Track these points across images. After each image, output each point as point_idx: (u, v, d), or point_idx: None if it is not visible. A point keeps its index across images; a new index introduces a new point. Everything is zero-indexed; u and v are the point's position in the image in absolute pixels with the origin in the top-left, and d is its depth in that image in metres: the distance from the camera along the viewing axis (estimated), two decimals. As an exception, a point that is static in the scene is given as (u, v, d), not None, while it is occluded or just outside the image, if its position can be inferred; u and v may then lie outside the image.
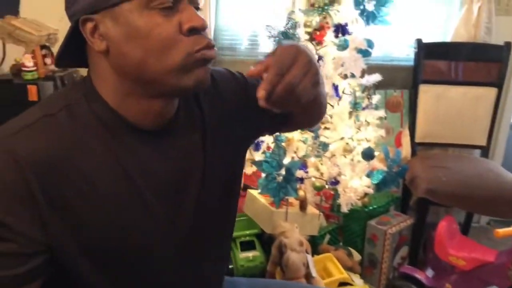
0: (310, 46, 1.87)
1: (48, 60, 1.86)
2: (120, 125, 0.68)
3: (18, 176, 0.60)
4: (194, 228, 0.76)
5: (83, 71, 1.75)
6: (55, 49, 1.98)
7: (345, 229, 2.11)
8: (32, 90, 1.70)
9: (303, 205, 1.96)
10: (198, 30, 0.64)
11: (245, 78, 0.88)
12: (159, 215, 0.72)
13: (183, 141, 0.75)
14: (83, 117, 0.67)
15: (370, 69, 1.96)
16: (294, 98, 0.63)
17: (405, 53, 2.46)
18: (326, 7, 1.81)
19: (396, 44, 2.45)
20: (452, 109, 2.28)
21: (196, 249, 0.78)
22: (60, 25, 2.03)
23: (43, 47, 1.83)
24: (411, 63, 2.36)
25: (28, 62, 1.73)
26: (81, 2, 0.63)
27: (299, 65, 0.63)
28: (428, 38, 2.33)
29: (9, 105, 1.69)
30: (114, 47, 0.64)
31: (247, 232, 1.99)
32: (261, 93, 0.60)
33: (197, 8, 0.67)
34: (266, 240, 1.98)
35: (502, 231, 1.55)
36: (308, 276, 1.64)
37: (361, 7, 1.84)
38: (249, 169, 2.02)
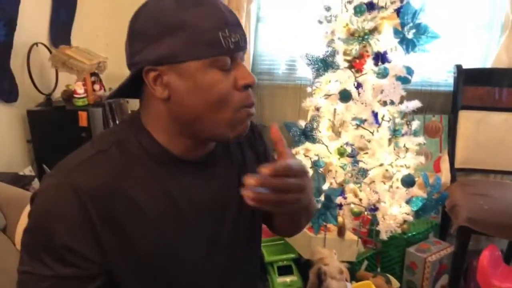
0: (349, 74, 1.90)
1: (97, 87, 1.95)
2: (166, 158, 0.75)
3: (78, 206, 0.67)
4: (228, 254, 0.83)
5: (131, 100, 1.83)
6: (104, 76, 2.08)
7: (383, 255, 2.10)
8: (83, 116, 1.79)
9: (341, 231, 1.96)
10: (250, 86, 0.72)
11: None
12: (200, 239, 0.78)
13: (222, 173, 0.82)
14: (132, 151, 0.74)
15: (409, 95, 1.97)
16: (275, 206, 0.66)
17: (443, 78, 2.45)
18: (366, 36, 1.84)
19: (435, 69, 2.45)
20: (493, 134, 2.25)
21: (228, 272, 0.84)
22: (107, 52, 2.15)
23: (92, 74, 1.93)
24: (450, 88, 2.35)
25: (79, 89, 1.83)
26: (148, 54, 0.69)
27: (300, 182, 0.65)
28: (468, 63, 2.32)
29: (62, 130, 1.81)
30: (175, 96, 0.70)
31: (284, 256, 2.01)
32: (249, 181, 0.61)
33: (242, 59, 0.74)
34: (303, 265, 1.98)
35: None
36: (348, 304, 1.64)
37: (401, 35, 1.86)
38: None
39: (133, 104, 2.26)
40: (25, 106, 1.85)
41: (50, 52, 1.95)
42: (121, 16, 2.59)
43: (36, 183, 1.73)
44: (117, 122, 1.92)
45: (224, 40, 0.67)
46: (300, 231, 1.01)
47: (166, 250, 0.74)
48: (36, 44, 1.87)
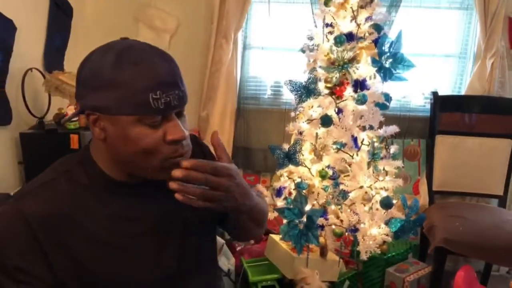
0: (330, 100, 2.00)
1: (88, 111, 2.02)
2: (110, 184, 0.83)
3: (26, 231, 0.76)
4: (178, 265, 0.89)
5: None
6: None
7: (364, 275, 2.16)
8: (74, 138, 1.85)
9: (323, 252, 2.03)
10: (177, 141, 0.77)
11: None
12: (146, 256, 0.85)
13: (165, 190, 0.84)
14: (79, 179, 0.82)
15: (387, 120, 2.07)
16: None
17: (421, 104, 2.57)
18: (346, 65, 1.94)
19: (412, 96, 2.56)
20: (469, 159, 2.35)
21: (179, 283, 0.90)
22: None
23: (84, 98, 1.99)
24: (427, 114, 2.46)
25: (71, 113, 1.89)
26: (88, 101, 0.77)
27: (223, 182, 0.75)
28: (443, 90, 2.44)
29: (54, 152, 1.86)
30: (110, 140, 0.78)
31: (269, 276, 2.06)
32: (176, 173, 0.72)
33: (182, 113, 0.81)
34: (287, 285, 2.04)
35: (518, 283, 1.59)
36: (329, 322, 1.69)
37: (379, 64, 1.96)
38: (271, 215, 2.11)
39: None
40: (17, 128, 1.91)
41: (44, 77, 2.02)
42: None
43: None
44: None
45: (154, 101, 0.73)
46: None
47: (113, 269, 0.81)
48: (31, 69, 1.94)
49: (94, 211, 0.81)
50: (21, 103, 1.92)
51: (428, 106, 2.46)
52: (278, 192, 2.14)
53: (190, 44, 2.52)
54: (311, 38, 2.11)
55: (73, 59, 2.35)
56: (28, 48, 1.99)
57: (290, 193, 2.13)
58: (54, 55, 2.19)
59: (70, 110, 1.90)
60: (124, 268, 0.83)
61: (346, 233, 2.01)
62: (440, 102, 2.38)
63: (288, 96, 2.56)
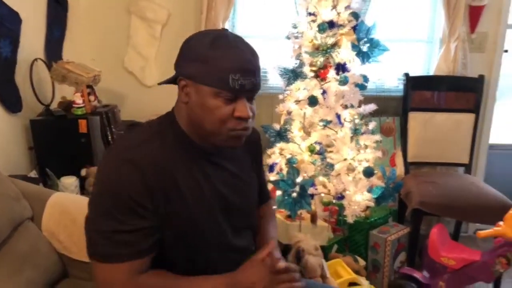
0: (315, 82, 2.21)
1: (92, 98, 2.16)
2: (191, 146, 1.02)
3: (137, 174, 0.93)
4: (234, 219, 1.10)
5: (125, 105, 2.23)
6: (97, 87, 2.29)
7: (350, 239, 2.39)
8: (83, 123, 1.99)
9: (313, 219, 2.25)
10: (243, 119, 0.96)
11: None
12: (215, 208, 1.05)
13: (229, 163, 1.10)
14: (170, 140, 1.01)
15: (366, 100, 2.29)
16: None
17: (395, 85, 2.82)
18: (329, 50, 2.15)
19: (387, 77, 2.81)
20: (438, 132, 2.62)
21: (234, 233, 1.11)
22: (94, 66, 2.35)
23: (87, 86, 2.13)
24: (401, 93, 2.71)
25: (78, 100, 2.03)
26: (183, 69, 0.96)
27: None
28: (415, 71, 2.70)
29: (63, 137, 2.00)
30: (191, 104, 0.97)
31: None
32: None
33: (252, 98, 0.99)
34: (283, 251, 2.25)
35: (483, 232, 1.86)
36: (323, 277, 1.91)
37: (357, 49, 2.19)
38: (264, 188, 2.30)
39: (124, 112, 2.47)
40: (26, 116, 2.03)
41: (47, 67, 2.14)
42: (105, 33, 2.86)
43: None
44: (113, 127, 2.13)
45: (232, 81, 0.91)
46: None
47: (192, 212, 1.00)
48: (36, 59, 2.06)
49: (183, 169, 0.99)
50: (28, 92, 2.04)
51: (401, 87, 2.71)
52: (271, 168, 2.34)
53: (181, 33, 2.57)
54: (295, 26, 2.31)
55: (70, 50, 2.48)
56: (32, 39, 2.10)
57: (281, 169, 2.34)
58: (54, 46, 2.30)
59: (77, 97, 2.03)
60: (199, 214, 1.01)
61: (334, 201, 2.24)
62: (411, 83, 2.64)
63: (274, 81, 2.76)
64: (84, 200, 1.58)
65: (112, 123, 2.13)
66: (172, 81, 1.03)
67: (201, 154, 1.03)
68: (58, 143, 2.01)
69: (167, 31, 2.69)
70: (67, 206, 1.49)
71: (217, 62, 0.91)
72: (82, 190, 2.00)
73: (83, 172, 2.00)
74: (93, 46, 2.71)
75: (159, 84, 1.09)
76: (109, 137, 2.10)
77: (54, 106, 2.20)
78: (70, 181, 1.94)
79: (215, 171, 1.06)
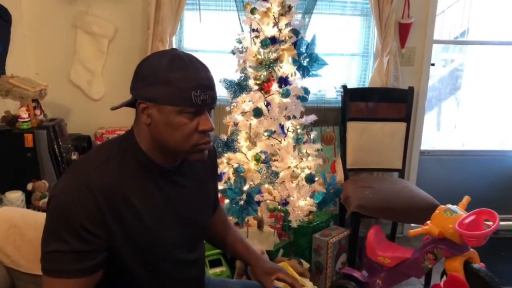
0: (260, 95, 2.33)
1: (38, 112, 2.16)
2: (151, 166, 1.08)
3: (92, 199, 0.97)
4: (192, 234, 1.19)
5: (72, 119, 2.30)
6: (43, 101, 2.29)
7: (295, 243, 2.52)
8: (29, 138, 2.00)
9: (260, 225, 2.36)
10: (207, 131, 1.04)
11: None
12: (172, 225, 1.12)
13: (188, 180, 1.18)
14: (128, 162, 1.06)
15: (307, 111, 2.44)
16: None
17: (334, 96, 3.00)
18: (271, 64, 2.28)
19: (327, 89, 2.98)
20: (373, 140, 2.82)
21: (191, 247, 1.20)
22: (38, 80, 2.35)
23: (33, 100, 2.13)
24: (339, 104, 2.89)
25: (24, 114, 2.03)
26: (143, 92, 1.02)
27: None
28: (352, 84, 2.89)
29: (9, 151, 1.99)
30: (154, 125, 1.04)
31: (213, 251, 2.34)
32: None
33: (213, 108, 1.07)
34: (230, 257, 2.34)
35: (413, 231, 2.04)
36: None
37: (298, 63, 2.33)
38: (213, 197, 2.39)
39: (71, 126, 2.48)
40: (-32, 131, 2.01)
41: (-9, 82, 2.12)
42: (50, 47, 2.86)
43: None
44: (61, 141, 2.14)
45: (194, 97, 0.98)
46: None
47: (149, 233, 1.07)
48: (-22, 74, 2.04)
49: (138, 189, 1.04)
50: (-30, 107, 2.02)
51: (340, 98, 2.89)
52: (219, 177, 2.43)
53: (128, 48, 2.71)
54: (240, 42, 2.43)
55: (14, 64, 2.45)
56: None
57: (229, 178, 2.43)
58: (-3, 60, 2.28)
59: (23, 112, 2.03)
60: (156, 232, 1.07)
61: (279, 207, 2.36)
62: (349, 94, 2.82)
63: (221, 94, 2.84)
64: (32, 214, 1.60)
65: (59, 136, 2.14)
66: (128, 104, 1.08)
67: (159, 172, 1.09)
68: (3, 158, 2.00)
69: (114, 45, 2.72)
70: (14, 221, 1.49)
71: (178, 82, 0.98)
72: (28, 205, 2.00)
73: (29, 186, 1.99)
74: (38, 60, 2.70)
75: (113, 109, 1.12)
76: (56, 150, 2.10)
77: (-4, 121, 2.18)
78: (15, 195, 1.93)
79: (172, 189, 1.12)
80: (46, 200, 2.00)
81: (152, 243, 1.07)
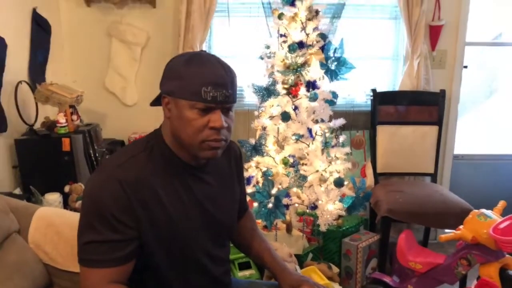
0: (287, 99, 2.35)
1: (75, 117, 2.25)
2: (176, 161, 1.13)
3: (122, 191, 1.03)
4: (214, 231, 1.22)
5: (107, 124, 2.39)
6: (79, 107, 2.39)
7: (324, 248, 2.51)
8: (66, 142, 2.09)
9: (289, 228, 2.37)
10: (216, 129, 1.06)
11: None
12: (196, 220, 1.16)
13: (212, 178, 1.21)
14: (156, 155, 1.12)
15: (336, 115, 2.45)
16: None
17: (363, 100, 2.99)
18: (299, 69, 2.30)
19: (356, 93, 2.97)
20: (404, 144, 2.78)
21: (213, 244, 1.23)
22: (78, 86, 2.46)
23: (70, 106, 2.23)
24: (369, 108, 2.87)
25: (62, 119, 2.12)
26: (164, 87, 1.09)
27: None
28: (382, 87, 2.87)
29: (47, 155, 2.09)
30: (172, 118, 1.09)
31: (243, 254, 2.36)
32: None
33: (229, 109, 1.09)
34: (259, 260, 2.35)
35: (444, 236, 2.00)
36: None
37: (326, 67, 2.34)
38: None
39: (106, 131, 2.57)
40: (10, 136, 2.11)
41: (31, 89, 2.24)
42: (86, 56, 2.97)
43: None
44: (96, 145, 2.23)
45: (204, 93, 1.02)
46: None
47: (173, 223, 1.11)
48: (20, 82, 2.15)
49: (164, 183, 1.10)
50: (12, 112, 2.12)
51: (369, 102, 2.87)
52: (248, 181, 2.46)
53: (160, 55, 2.79)
54: (267, 47, 2.46)
55: (53, 72, 2.57)
56: (16, 63, 2.20)
57: (257, 181, 2.46)
58: (37, 69, 2.40)
59: (61, 117, 2.12)
60: (180, 224, 1.12)
61: (307, 211, 2.36)
62: (378, 98, 2.80)
63: (249, 99, 2.90)
64: (68, 214, 1.68)
65: (94, 141, 2.23)
66: (158, 99, 1.14)
67: (185, 168, 1.14)
68: (42, 162, 2.10)
69: (147, 52, 2.81)
70: (52, 220, 1.58)
71: (190, 77, 1.03)
72: (66, 206, 2.08)
73: (67, 188, 2.08)
74: (75, 68, 2.82)
75: (151, 105, 1.20)
76: (92, 154, 2.19)
77: (37, 126, 2.29)
78: (53, 197, 2.02)
79: (197, 185, 1.16)
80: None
81: (177, 234, 1.12)
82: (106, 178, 1.05)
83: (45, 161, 2.09)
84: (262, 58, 2.47)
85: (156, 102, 1.19)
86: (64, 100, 2.11)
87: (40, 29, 2.43)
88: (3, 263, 1.34)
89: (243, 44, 2.86)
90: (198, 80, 1.02)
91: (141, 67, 2.83)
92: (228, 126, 1.10)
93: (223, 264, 1.29)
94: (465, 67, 2.92)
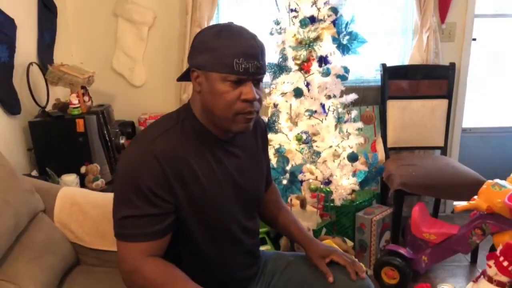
0: (300, 75, 2.34)
1: (86, 98, 2.24)
2: (206, 135, 1.14)
3: (157, 165, 1.04)
4: (244, 201, 1.22)
5: (115, 105, 2.37)
6: (92, 88, 2.37)
7: (337, 223, 2.54)
8: (80, 123, 2.08)
9: (303, 204, 2.38)
10: (249, 101, 1.05)
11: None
12: (227, 190, 1.17)
13: (241, 151, 1.22)
14: (187, 130, 1.12)
15: (347, 90, 2.45)
16: None
17: (373, 75, 2.98)
18: (311, 44, 2.29)
19: (366, 68, 2.96)
20: (414, 118, 2.79)
21: (244, 213, 1.24)
22: (86, 67, 2.43)
23: (81, 87, 2.21)
24: (378, 83, 2.87)
25: (74, 100, 2.11)
26: (194, 60, 1.08)
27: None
28: (391, 62, 2.86)
29: (61, 137, 2.08)
30: (202, 92, 1.08)
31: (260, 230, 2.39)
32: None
33: (260, 80, 1.09)
34: (274, 237, 2.38)
35: (460, 206, 2.03)
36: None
37: (338, 42, 2.33)
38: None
39: (115, 112, 2.55)
40: (24, 118, 2.10)
41: (41, 70, 2.21)
42: (93, 36, 2.93)
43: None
44: (109, 126, 2.22)
45: (236, 65, 1.00)
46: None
47: (208, 195, 1.12)
48: (32, 63, 2.13)
49: (197, 155, 1.10)
50: (25, 94, 2.11)
51: (379, 77, 2.87)
52: (261, 158, 2.47)
53: (167, 34, 2.76)
54: (277, 22, 2.44)
55: (60, 53, 2.54)
56: (25, 44, 2.17)
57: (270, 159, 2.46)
58: (45, 50, 2.37)
59: (73, 98, 2.11)
60: (214, 195, 1.13)
61: (322, 187, 2.38)
62: (388, 73, 2.79)
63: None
64: (92, 194, 1.69)
65: (107, 121, 2.22)
66: (186, 74, 1.14)
67: (215, 141, 1.14)
68: (57, 143, 2.09)
69: (154, 32, 2.77)
70: (76, 199, 1.58)
71: (222, 49, 1.02)
72: (82, 186, 2.09)
73: (83, 169, 2.08)
74: (82, 50, 2.79)
75: (178, 80, 1.20)
76: (106, 135, 2.18)
77: (49, 108, 2.27)
78: (70, 178, 2.02)
79: (227, 158, 1.17)
80: (98, 182, 2.09)
81: (211, 205, 1.13)
82: (142, 152, 1.05)
83: (59, 143, 2.08)
84: (272, 34, 2.45)
85: (183, 77, 1.18)
86: (76, 81, 2.09)
87: (47, 10, 2.39)
88: (33, 242, 1.35)
89: (252, 21, 2.83)
90: (229, 52, 1.01)
91: (148, 47, 2.79)
92: (260, 98, 1.09)
93: (253, 236, 1.30)
94: (474, 39, 2.91)
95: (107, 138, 2.20)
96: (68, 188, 1.68)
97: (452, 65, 2.78)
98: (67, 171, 2.06)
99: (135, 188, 1.02)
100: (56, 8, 2.50)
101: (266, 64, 2.35)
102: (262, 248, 2.26)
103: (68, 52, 2.71)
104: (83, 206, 1.57)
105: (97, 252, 1.56)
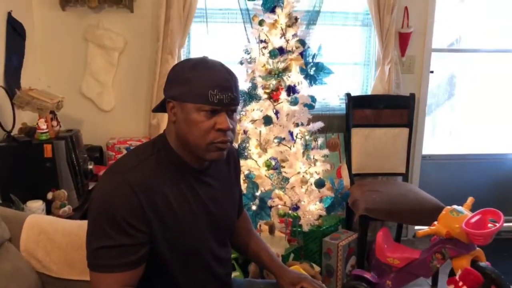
0: (269, 103, 2.41)
1: (55, 123, 2.21)
2: (182, 165, 1.16)
3: (133, 195, 1.05)
4: (218, 231, 1.26)
5: (83, 130, 2.36)
6: (60, 113, 2.34)
7: (305, 248, 2.58)
8: (48, 148, 2.04)
9: (271, 229, 2.42)
10: (223, 130, 1.09)
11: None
12: (201, 220, 1.20)
13: (215, 180, 1.25)
14: (163, 161, 1.14)
15: (314, 118, 2.53)
16: None
17: (338, 104, 3.09)
18: (280, 74, 2.37)
19: (331, 97, 3.08)
20: (377, 146, 2.91)
21: (217, 243, 1.27)
22: (53, 91, 2.41)
23: (50, 112, 2.19)
24: (344, 111, 2.98)
25: (43, 125, 2.07)
26: (170, 92, 1.12)
27: None
28: (355, 92, 2.99)
29: (27, 162, 2.04)
30: (178, 122, 1.12)
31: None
32: None
33: (234, 111, 1.13)
34: (242, 263, 2.39)
35: (421, 231, 2.11)
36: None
37: (305, 72, 2.42)
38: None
39: (85, 136, 2.52)
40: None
41: (8, 94, 2.18)
42: (62, 60, 2.90)
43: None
44: (77, 151, 2.19)
45: (211, 96, 1.05)
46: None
47: (182, 226, 1.14)
48: (-3, 87, 2.09)
49: (172, 186, 1.12)
50: (-12, 119, 2.06)
51: (344, 105, 2.98)
52: (230, 184, 2.50)
53: (138, 60, 2.77)
54: (248, 52, 2.51)
55: (27, 76, 2.50)
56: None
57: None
58: (12, 73, 2.33)
59: (41, 123, 2.07)
60: (188, 225, 1.15)
61: (290, 212, 2.42)
62: (352, 101, 2.91)
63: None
64: (60, 221, 1.66)
65: (76, 147, 2.19)
66: (162, 105, 1.17)
67: (190, 171, 1.17)
68: (22, 169, 2.04)
69: (124, 57, 2.78)
70: (44, 227, 1.55)
71: (197, 81, 1.06)
72: (48, 213, 2.04)
73: (50, 195, 2.04)
74: (49, 73, 2.76)
75: (153, 111, 1.23)
76: (74, 160, 2.15)
77: (14, 132, 2.22)
78: (36, 205, 1.97)
79: (202, 188, 1.19)
80: (65, 208, 2.04)
81: (185, 235, 1.15)
82: (117, 182, 1.06)
83: (25, 168, 2.04)
84: (242, 63, 2.51)
85: (158, 108, 1.21)
86: (46, 106, 2.07)
87: (15, 33, 2.37)
88: (-1, 272, 1.32)
89: (222, 50, 2.89)
90: (205, 84, 1.06)
91: (118, 72, 2.80)
92: (233, 128, 1.13)
93: (226, 265, 1.33)
94: (431, 72, 3.09)
95: (75, 163, 2.17)
96: (36, 215, 1.64)
97: (412, 95, 2.93)
98: (33, 197, 2.01)
99: (110, 218, 1.03)
100: (25, 32, 2.48)
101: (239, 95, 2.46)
102: (231, 274, 2.30)
103: (35, 75, 2.68)
104: (51, 234, 1.54)
105: (65, 281, 1.53)
